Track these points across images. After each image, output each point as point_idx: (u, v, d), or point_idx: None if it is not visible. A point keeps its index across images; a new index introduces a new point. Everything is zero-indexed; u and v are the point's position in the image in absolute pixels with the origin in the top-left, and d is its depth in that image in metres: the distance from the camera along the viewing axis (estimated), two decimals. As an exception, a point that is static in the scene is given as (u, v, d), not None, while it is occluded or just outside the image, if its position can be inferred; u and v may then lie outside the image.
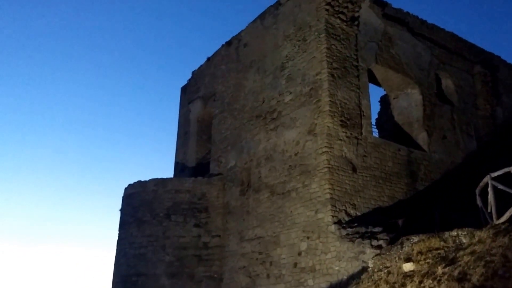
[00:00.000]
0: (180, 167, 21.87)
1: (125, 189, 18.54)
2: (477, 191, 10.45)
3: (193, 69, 23.13)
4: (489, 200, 9.65)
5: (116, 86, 62.37)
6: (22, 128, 55.11)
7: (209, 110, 20.86)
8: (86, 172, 56.26)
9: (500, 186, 9.45)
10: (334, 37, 15.29)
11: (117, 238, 18.17)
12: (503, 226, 7.76)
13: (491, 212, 9.49)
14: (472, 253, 7.36)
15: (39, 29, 56.90)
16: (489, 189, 9.68)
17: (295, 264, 13.84)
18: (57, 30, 58.15)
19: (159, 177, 18.09)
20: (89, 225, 54.80)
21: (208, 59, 21.76)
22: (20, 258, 49.83)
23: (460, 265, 7.20)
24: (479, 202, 10.36)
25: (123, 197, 18.55)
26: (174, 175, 21.90)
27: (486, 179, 9.92)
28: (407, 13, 18.14)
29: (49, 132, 56.48)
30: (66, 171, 56.09)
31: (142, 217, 17.36)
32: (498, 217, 9.01)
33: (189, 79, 23.27)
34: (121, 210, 18.46)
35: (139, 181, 18.20)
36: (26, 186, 54.03)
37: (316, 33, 15.37)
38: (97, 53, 61.03)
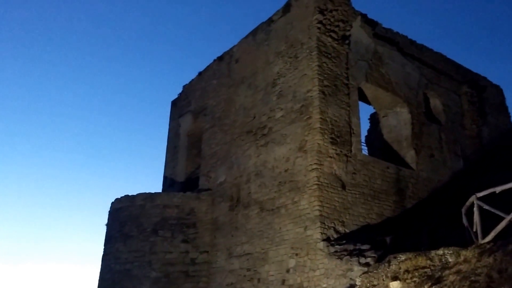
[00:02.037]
0: (169, 182, 21.81)
1: (112, 203, 18.41)
2: (463, 210, 10.54)
3: (183, 83, 23.23)
4: (474, 220, 9.74)
5: (105, 99, 62.29)
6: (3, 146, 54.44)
7: (200, 125, 20.88)
8: (72, 186, 55.88)
9: (486, 207, 9.55)
10: (326, 55, 15.47)
11: (102, 253, 17.96)
12: (488, 246, 7.84)
13: (476, 232, 9.57)
14: (458, 272, 7.42)
15: (20, 38, 56.69)
16: (475, 209, 9.77)
17: (283, 281, 13.80)
18: (42, 43, 58.02)
19: (147, 191, 18.02)
20: (75, 241, 54.17)
21: (200, 73, 21.87)
22: (2, 277, 48.89)
23: (446, 285, 7.26)
24: (465, 221, 10.46)
25: (109, 211, 18.41)
26: (163, 189, 21.82)
27: (472, 199, 10.02)
28: (397, 33, 18.44)
29: (36, 144, 56.03)
30: (52, 185, 55.62)
31: (129, 232, 17.21)
32: (484, 237, 9.09)
33: (180, 93, 23.33)
34: (107, 225, 18.28)
35: (127, 196, 18.08)
36: (10, 201, 53.32)
37: (307, 51, 15.54)
38: (86, 66, 60.98)
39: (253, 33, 18.65)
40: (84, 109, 60.48)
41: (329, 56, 15.59)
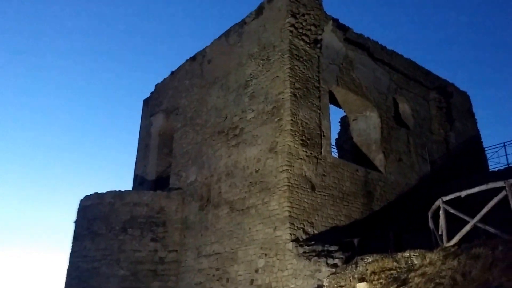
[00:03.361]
0: (139, 180, 21.64)
1: (81, 200, 18.15)
2: (429, 213, 10.82)
3: (156, 82, 23.07)
4: (440, 223, 10.01)
5: (76, 96, 61.17)
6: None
7: (171, 124, 20.79)
8: (40, 182, 54.69)
9: (451, 210, 9.82)
10: (297, 58, 15.61)
11: (69, 251, 17.70)
12: (452, 249, 8.08)
13: (442, 235, 9.83)
14: (423, 274, 7.63)
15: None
16: (441, 212, 10.04)
17: (252, 281, 13.88)
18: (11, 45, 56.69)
19: (117, 189, 17.85)
20: (40, 239, 53.10)
21: (172, 73, 21.76)
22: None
23: (411, 287, 7.45)
24: (431, 224, 10.74)
25: (78, 209, 18.14)
26: (133, 188, 21.63)
27: (438, 202, 10.29)
28: (368, 38, 18.74)
29: (6, 139, 54.62)
30: (20, 181, 54.32)
31: (97, 230, 17.03)
32: (449, 240, 9.35)
33: (152, 92, 23.16)
34: (75, 222, 18.03)
35: (96, 193, 17.89)
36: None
37: (279, 53, 15.65)
38: (56, 61, 59.81)
39: (226, 34, 18.67)
40: (56, 105, 59.29)
41: (301, 59, 15.74)
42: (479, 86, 57.85)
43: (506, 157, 18.87)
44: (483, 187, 9.32)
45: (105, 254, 16.65)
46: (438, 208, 10.34)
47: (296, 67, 15.46)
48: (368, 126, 18.19)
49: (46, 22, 58.06)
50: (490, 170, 20.38)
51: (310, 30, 16.25)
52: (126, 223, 17.08)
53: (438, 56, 61.80)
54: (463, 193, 9.78)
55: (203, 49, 19.87)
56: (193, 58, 20.41)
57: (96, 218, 17.33)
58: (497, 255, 6.87)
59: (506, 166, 18.31)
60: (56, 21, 59.26)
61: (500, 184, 8.94)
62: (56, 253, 54.45)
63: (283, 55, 15.55)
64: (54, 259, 52.97)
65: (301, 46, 15.90)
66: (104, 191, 17.85)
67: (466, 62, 61.67)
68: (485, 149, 21.88)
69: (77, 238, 17.55)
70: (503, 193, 8.82)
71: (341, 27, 17.54)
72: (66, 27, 60.47)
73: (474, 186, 9.56)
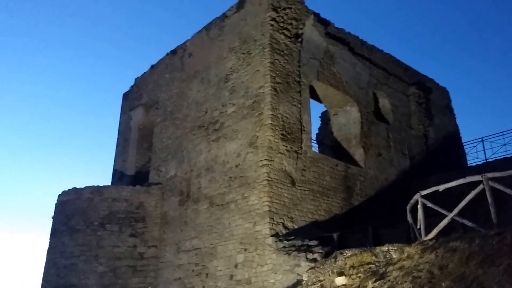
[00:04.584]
0: (118, 175, 21.40)
1: (59, 196, 17.88)
2: (408, 208, 10.87)
3: (135, 76, 22.82)
4: (418, 217, 10.05)
5: (54, 89, 60.23)
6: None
7: (151, 118, 20.58)
8: (18, 177, 53.85)
9: (429, 204, 9.87)
10: (278, 52, 15.55)
11: (47, 247, 17.45)
12: (430, 243, 8.11)
13: (420, 229, 9.88)
14: (401, 268, 7.65)
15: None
16: (419, 206, 10.08)
17: (231, 276, 13.83)
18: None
19: (96, 184, 17.63)
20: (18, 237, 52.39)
21: (152, 66, 21.54)
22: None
23: (389, 280, 7.46)
24: (409, 218, 10.78)
25: (56, 204, 17.88)
26: (112, 183, 21.38)
27: (417, 196, 10.34)
28: (349, 33, 18.77)
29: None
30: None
31: (76, 226, 16.80)
32: (427, 234, 9.40)
33: (132, 86, 22.90)
34: (53, 217, 17.77)
35: (74, 188, 17.64)
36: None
37: (260, 47, 15.58)
38: (36, 52, 58.85)
39: (207, 28, 18.52)
40: (35, 99, 58.29)
41: (282, 53, 15.69)
42: (458, 80, 58.50)
43: (484, 152, 19.07)
44: (460, 181, 9.38)
45: (84, 250, 16.45)
46: (417, 202, 10.38)
47: (276, 61, 15.40)
48: (348, 121, 18.24)
49: (24, 14, 56.98)
50: (468, 165, 20.60)
51: (291, 24, 16.20)
52: (105, 218, 16.90)
53: (418, 51, 62.33)
54: (441, 187, 9.82)
55: (184, 42, 19.69)
56: (173, 52, 20.21)
57: (74, 214, 17.10)
58: (473, 249, 6.91)
59: (484, 161, 18.51)
60: (35, 13, 58.22)
61: (477, 178, 9.00)
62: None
63: (263, 49, 15.48)
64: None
65: (282, 40, 15.84)
66: (83, 186, 17.62)
67: (446, 57, 62.28)
68: (464, 144, 22.11)
69: (55, 233, 17.31)
70: (481, 187, 8.87)
71: (322, 22, 17.53)
72: (44, 20, 59.49)
73: (452, 181, 9.62)
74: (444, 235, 8.61)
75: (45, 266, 17.12)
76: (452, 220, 9.17)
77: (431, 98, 21.52)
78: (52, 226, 17.63)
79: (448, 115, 22.88)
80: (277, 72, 15.29)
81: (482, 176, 8.91)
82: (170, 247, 16.54)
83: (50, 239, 17.48)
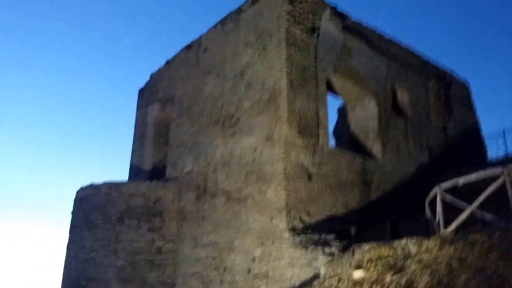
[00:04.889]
0: (135, 171, 21.53)
1: (77, 191, 18.08)
2: (426, 201, 10.76)
3: (151, 72, 22.88)
4: (437, 211, 9.94)
5: (72, 85, 60.89)
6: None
7: (167, 114, 20.64)
8: (37, 173, 54.57)
9: (448, 197, 9.75)
10: (294, 46, 15.45)
11: (67, 241, 17.68)
12: (449, 236, 8.02)
13: (439, 222, 9.77)
14: (420, 261, 7.57)
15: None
16: (438, 200, 9.97)
17: (249, 270, 13.84)
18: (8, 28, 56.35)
19: (113, 180, 17.78)
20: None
21: (167, 62, 21.56)
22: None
23: (407, 273, 7.38)
24: (428, 212, 10.67)
25: (74, 199, 18.08)
26: (129, 178, 21.52)
27: (436, 190, 10.22)
28: (366, 26, 18.53)
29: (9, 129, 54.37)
30: (15, 172, 54.18)
31: (94, 221, 16.97)
32: (446, 228, 9.29)
33: (147, 82, 22.97)
34: (72, 213, 18.00)
35: (92, 184, 17.80)
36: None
37: (276, 42, 15.49)
38: (53, 51, 59.51)
39: (222, 22, 18.48)
40: (54, 95, 58.97)
41: (298, 47, 15.58)
42: (479, 74, 57.62)
43: (506, 145, 18.72)
44: (481, 174, 9.26)
45: (103, 245, 16.62)
46: (436, 196, 10.27)
47: (293, 55, 15.31)
48: (365, 115, 18.07)
49: (40, 12, 57.66)
50: (489, 159, 20.30)
51: (307, 18, 16.07)
52: (123, 213, 17.02)
53: (438, 43, 61.55)
54: (460, 180, 9.71)
55: (199, 37, 19.66)
56: (188, 47, 20.20)
57: (92, 209, 17.27)
58: (493, 242, 6.82)
59: (505, 154, 18.19)
60: (51, 11, 58.82)
61: (498, 170, 8.86)
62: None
63: (279, 43, 15.39)
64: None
65: (298, 34, 15.72)
66: (100, 182, 17.78)
67: (467, 50, 61.38)
68: (484, 138, 21.77)
69: (74, 228, 17.53)
70: (501, 179, 8.74)
71: (338, 15, 17.35)
72: (60, 18, 60.07)
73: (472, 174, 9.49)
74: (463, 228, 8.50)
75: (65, 260, 17.39)
76: (472, 214, 9.05)
77: (451, 91, 21.20)
78: (71, 221, 17.85)
79: (468, 108, 22.52)
80: (294, 67, 15.19)
81: (503, 169, 8.77)
82: (187, 241, 16.60)
83: (69, 234, 17.71)
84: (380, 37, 19.08)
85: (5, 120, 54.84)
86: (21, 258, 50.61)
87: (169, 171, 18.86)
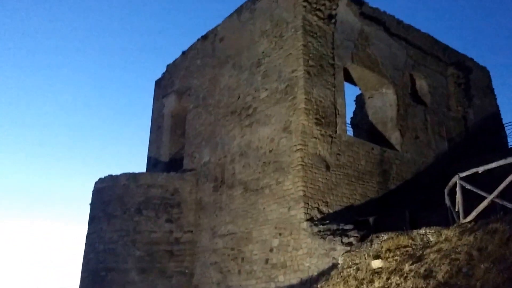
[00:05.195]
0: (152, 162, 21.64)
1: (95, 183, 18.26)
2: (446, 190, 10.57)
3: (167, 63, 22.89)
4: (457, 200, 9.76)
5: (89, 79, 61.44)
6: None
7: (184, 105, 20.65)
8: (55, 165, 55.29)
9: (468, 186, 9.56)
10: (311, 34, 15.29)
11: (86, 232, 17.88)
12: (469, 225, 7.88)
13: (458, 212, 9.60)
14: (439, 251, 7.45)
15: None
16: (457, 188, 9.79)
17: (267, 260, 13.83)
18: (30, 23, 56.97)
19: (131, 171, 17.89)
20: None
21: (183, 53, 21.54)
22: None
23: (426, 262, 7.28)
24: (447, 201, 10.48)
25: (93, 191, 18.27)
26: (147, 170, 21.65)
27: (455, 179, 10.03)
28: (384, 12, 18.28)
29: (20, 123, 55.17)
30: (33, 165, 54.98)
31: (113, 212, 17.14)
32: (465, 217, 9.12)
33: (164, 73, 22.99)
34: (91, 204, 18.18)
35: (110, 176, 17.94)
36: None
37: (292, 30, 15.35)
38: (68, 43, 59.99)
39: (238, 11, 18.37)
40: (74, 88, 59.56)
41: (315, 35, 15.42)
42: (499, 59, 56.49)
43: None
44: (501, 162, 9.04)
45: (121, 235, 16.79)
46: (455, 185, 10.08)
47: (309, 43, 15.16)
48: (384, 103, 17.85)
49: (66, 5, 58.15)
50: (510, 147, 19.92)
51: (324, 5, 15.86)
52: (141, 204, 17.15)
53: (457, 29, 60.42)
54: (480, 169, 9.50)
55: (215, 27, 19.58)
56: (204, 37, 20.14)
57: (111, 200, 17.43)
58: (514, 230, 6.67)
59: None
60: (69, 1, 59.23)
61: (519, 158, 8.65)
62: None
63: (296, 31, 15.24)
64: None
65: (315, 22, 15.55)
66: (118, 174, 17.91)
67: (486, 36, 60.20)
68: (505, 125, 21.35)
69: (93, 219, 17.72)
70: (522, 167, 8.54)
71: (356, 2, 17.13)
72: (77, 8, 60.47)
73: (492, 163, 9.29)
74: (483, 217, 8.34)
75: (84, 251, 17.59)
76: (492, 202, 8.86)
77: (471, 78, 20.80)
78: (90, 212, 18.04)
79: (488, 96, 22.10)
80: (310, 55, 15.05)
81: (524, 155, 8.56)
82: (205, 232, 16.65)
83: (88, 225, 17.90)
84: (399, 23, 18.80)
85: (20, 115, 55.49)
86: (33, 254, 51.43)
87: (186, 163, 18.91)
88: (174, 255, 16.66)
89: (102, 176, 18.12)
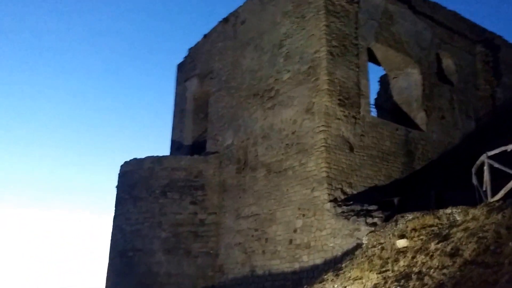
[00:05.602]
0: (176, 145, 21.77)
1: (121, 166, 18.53)
2: (473, 169, 10.39)
3: (189, 46, 22.86)
4: (484, 179, 9.60)
5: (112, 63, 61.81)
6: (21, 102, 54.69)
7: (206, 88, 20.65)
8: (82, 149, 56.13)
9: (496, 165, 9.38)
10: (334, 14, 15.08)
11: (113, 214, 18.20)
12: (497, 204, 7.74)
13: (486, 191, 9.44)
14: (465, 229, 7.35)
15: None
16: (485, 167, 9.62)
17: (291, 241, 13.88)
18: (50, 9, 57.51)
19: (155, 155, 18.07)
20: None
21: (205, 36, 21.47)
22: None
23: (453, 241, 7.18)
24: (474, 180, 10.31)
25: (119, 174, 18.54)
26: (171, 153, 21.80)
27: (483, 157, 9.86)
28: (409, -10, 17.88)
29: (45, 107, 56.01)
30: (60, 147, 55.86)
31: (138, 194, 17.41)
32: (493, 195, 8.97)
33: (186, 57, 22.96)
34: (117, 187, 18.46)
35: (135, 159, 18.19)
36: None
37: (315, 10, 15.15)
38: (90, 27, 60.40)
39: (260, -8, 18.17)
40: (98, 73, 60.06)
41: (338, 15, 15.20)
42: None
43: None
44: (531, 140, 8.84)
45: (147, 217, 17.09)
46: (483, 164, 9.90)
47: (332, 24, 14.95)
48: (409, 83, 17.57)
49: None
50: (540, 126, 19.42)
51: (346, -16, 15.59)
52: (166, 187, 17.36)
53: (485, 6, 58.85)
54: (509, 147, 9.31)
55: (236, 9, 19.44)
56: (225, 20, 20.01)
57: (136, 183, 17.69)
58: (544, 208, 6.52)
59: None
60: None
61: (549, 135, 8.43)
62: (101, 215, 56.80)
63: (318, 11, 15.05)
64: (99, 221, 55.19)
65: (338, 1, 15.32)
66: (143, 157, 18.11)
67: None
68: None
69: (120, 202, 18.03)
70: (552, 145, 8.33)
71: (379, -20, 16.78)
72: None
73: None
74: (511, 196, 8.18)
75: (112, 232, 17.95)
76: (521, 181, 8.68)
77: (499, 56, 20.26)
78: (117, 195, 18.33)
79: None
80: (333, 35, 14.86)
81: (554, 133, 8.33)
82: (229, 213, 16.76)
83: (115, 207, 18.21)
84: (424, 1, 18.40)
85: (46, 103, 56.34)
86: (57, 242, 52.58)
87: (209, 145, 18.97)
88: (198, 236, 16.86)
89: (128, 159, 18.36)
